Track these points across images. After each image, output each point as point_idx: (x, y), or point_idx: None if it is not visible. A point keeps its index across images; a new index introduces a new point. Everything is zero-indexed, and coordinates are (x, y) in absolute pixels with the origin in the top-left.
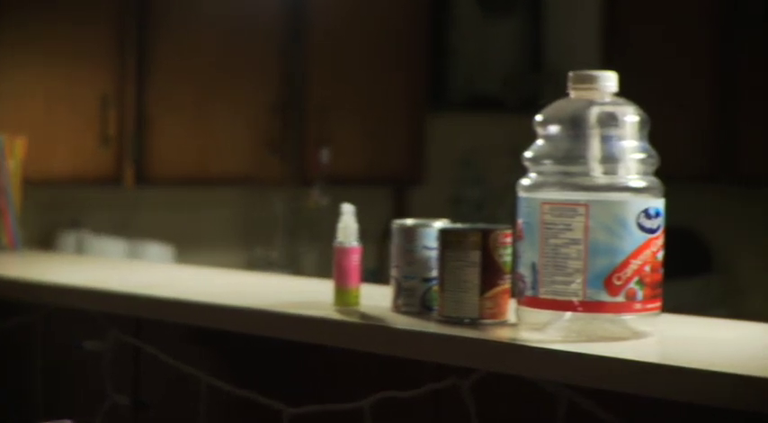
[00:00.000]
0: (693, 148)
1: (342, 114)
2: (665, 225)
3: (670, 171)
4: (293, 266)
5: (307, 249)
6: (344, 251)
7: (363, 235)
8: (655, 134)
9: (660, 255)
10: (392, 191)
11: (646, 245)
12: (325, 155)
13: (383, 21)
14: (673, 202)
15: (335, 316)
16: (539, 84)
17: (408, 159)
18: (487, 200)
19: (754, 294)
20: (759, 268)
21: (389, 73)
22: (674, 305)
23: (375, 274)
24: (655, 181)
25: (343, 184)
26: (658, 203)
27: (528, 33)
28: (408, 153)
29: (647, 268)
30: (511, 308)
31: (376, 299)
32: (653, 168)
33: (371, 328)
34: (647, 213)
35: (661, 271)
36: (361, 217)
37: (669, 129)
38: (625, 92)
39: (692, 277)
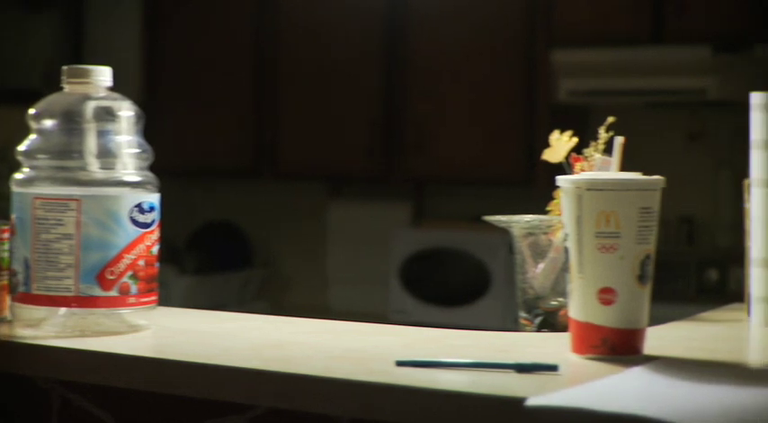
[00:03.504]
0: (235, 145)
1: None
2: (160, 219)
3: (213, 166)
4: None
5: None
6: None
7: None
8: (199, 131)
9: (155, 249)
10: None
11: (139, 239)
12: None
13: None
14: (215, 197)
15: None
16: None
17: None
18: None
19: (295, 287)
20: (298, 262)
21: None
22: (215, 299)
23: None
24: (150, 176)
25: None
26: (153, 198)
27: (68, 28)
28: None
29: (142, 262)
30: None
31: None
32: (148, 163)
33: None
34: (140, 208)
35: (157, 265)
36: None
37: (213, 125)
38: (165, 89)
39: (233, 271)
